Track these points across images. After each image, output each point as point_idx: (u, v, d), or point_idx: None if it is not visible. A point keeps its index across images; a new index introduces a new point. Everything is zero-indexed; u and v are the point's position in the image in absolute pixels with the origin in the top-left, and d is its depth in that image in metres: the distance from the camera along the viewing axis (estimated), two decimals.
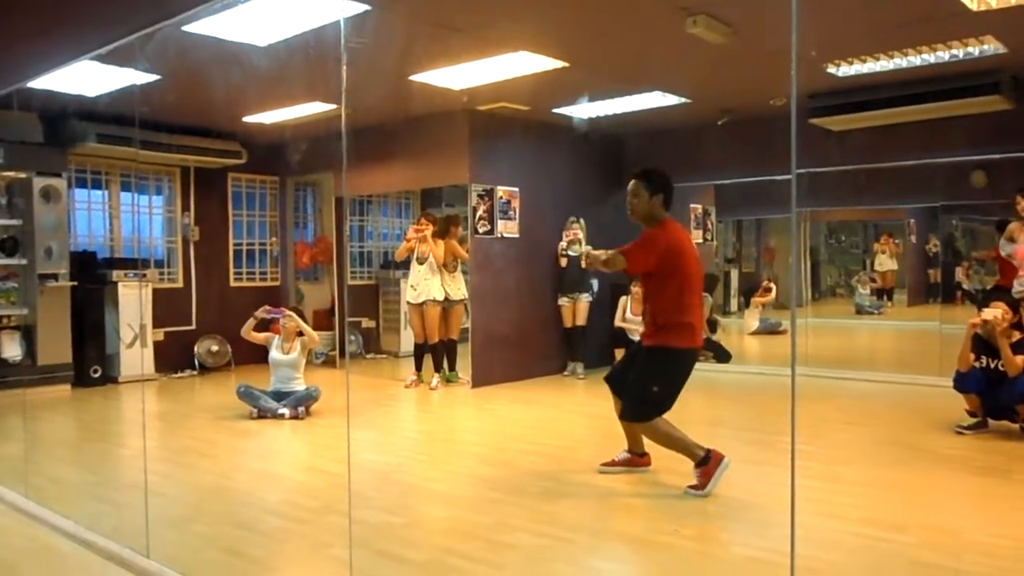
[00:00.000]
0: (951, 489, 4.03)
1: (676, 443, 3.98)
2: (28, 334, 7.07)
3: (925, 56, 5.45)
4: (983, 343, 4.99)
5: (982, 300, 5.38)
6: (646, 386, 3.99)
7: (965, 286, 8.96)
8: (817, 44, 5.18)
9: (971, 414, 5.07)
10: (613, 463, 4.34)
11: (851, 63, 5.68)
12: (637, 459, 4.32)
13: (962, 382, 5.04)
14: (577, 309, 7.70)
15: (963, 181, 7.01)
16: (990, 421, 5.03)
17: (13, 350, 6.97)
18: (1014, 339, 4.89)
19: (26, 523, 3.68)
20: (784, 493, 3.75)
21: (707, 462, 3.90)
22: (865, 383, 7.12)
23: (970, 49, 5.29)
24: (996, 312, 4.87)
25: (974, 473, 4.26)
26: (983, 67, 5.67)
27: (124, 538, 3.23)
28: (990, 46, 5.21)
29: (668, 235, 3.97)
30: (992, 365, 4.95)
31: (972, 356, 5.01)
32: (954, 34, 5.07)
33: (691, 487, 3.90)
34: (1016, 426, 4.90)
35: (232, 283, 8.96)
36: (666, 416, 4.01)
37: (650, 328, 4.04)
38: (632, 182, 4.08)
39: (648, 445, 4.26)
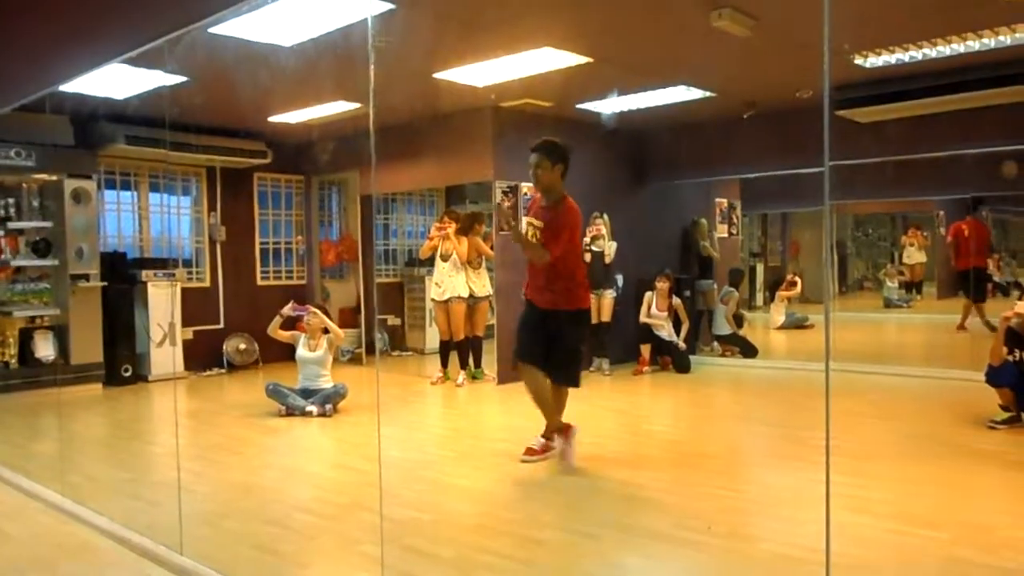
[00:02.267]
0: (984, 484, 3.98)
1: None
2: (60, 334, 7.17)
3: (955, 46, 5.37)
4: (1016, 336, 4.92)
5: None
6: (577, 350, 4.46)
7: (996, 278, 8.84)
8: (843, 35, 5.12)
9: (1004, 408, 4.99)
10: (533, 451, 4.48)
11: (879, 54, 5.61)
12: (551, 445, 4.51)
13: (995, 376, 4.97)
14: (602, 305, 7.67)
15: (993, 172, 6.91)
16: (1023, 416, 4.96)
17: (46, 350, 7.08)
18: None
19: (63, 520, 3.74)
20: (814, 489, 3.72)
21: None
22: (895, 377, 7.04)
23: (1001, 38, 5.20)
24: None
25: (1008, 468, 4.20)
26: (1014, 56, 5.57)
27: (158, 535, 3.28)
28: (1022, 35, 5.12)
29: (577, 211, 4.38)
30: None
31: (1005, 350, 4.93)
32: (985, 23, 4.98)
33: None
34: None
35: (259, 282, 9.04)
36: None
37: (563, 294, 4.36)
38: (535, 154, 4.34)
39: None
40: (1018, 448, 4.54)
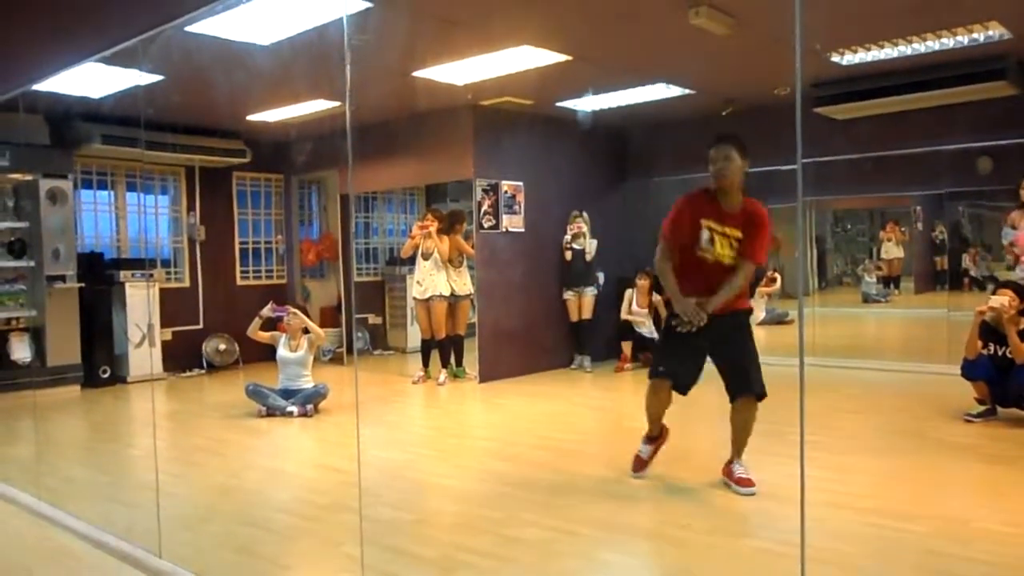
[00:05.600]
0: (960, 477, 4.03)
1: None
2: (37, 336, 7.09)
3: (930, 43, 5.42)
4: (991, 330, 4.98)
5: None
6: (755, 351, 3.84)
7: (972, 273, 8.92)
8: (821, 33, 5.15)
9: (980, 402, 5.06)
10: (645, 464, 4.11)
11: (855, 51, 5.65)
12: (661, 440, 4.18)
13: (970, 370, 5.03)
14: (583, 303, 7.70)
15: (969, 168, 6.98)
16: (999, 409, 5.02)
17: (23, 352, 7.00)
18: (1022, 326, 4.88)
19: (40, 524, 3.70)
20: (794, 484, 3.75)
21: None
22: (873, 372, 7.11)
23: (975, 35, 5.26)
24: (1003, 299, 4.86)
25: (983, 461, 4.25)
26: (989, 53, 5.63)
27: (137, 538, 3.25)
28: (995, 32, 5.18)
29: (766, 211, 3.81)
30: (1000, 352, 4.94)
31: (980, 343, 4.99)
32: (959, 20, 5.04)
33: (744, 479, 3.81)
34: None
35: (239, 282, 8.98)
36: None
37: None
38: (724, 146, 3.72)
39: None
40: (993, 441, 4.60)
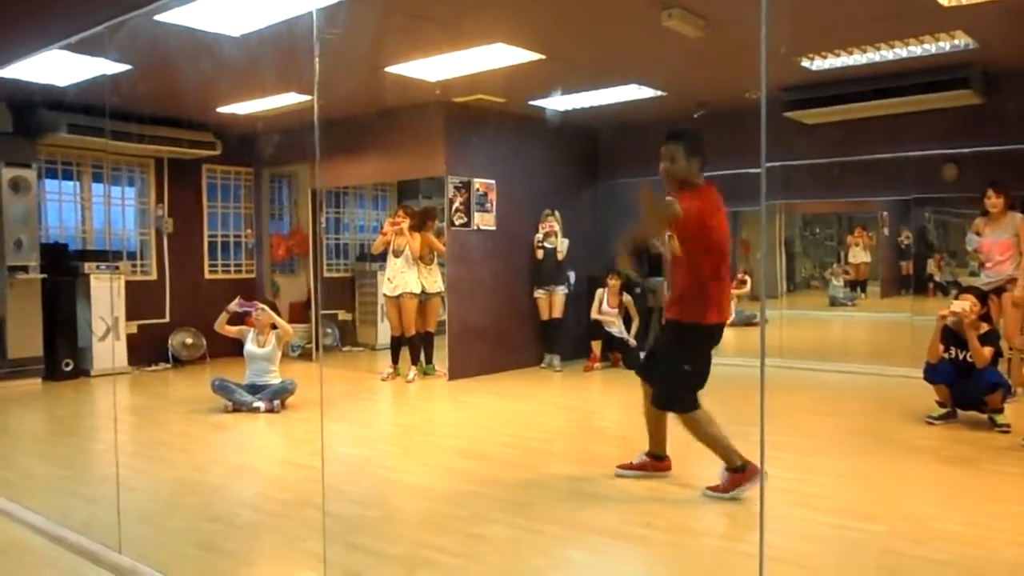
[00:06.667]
0: (921, 478, 4.09)
1: (716, 444, 3.70)
2: None
3: (897, 50, 5.51)
4: (952, 335, 5.06)
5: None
6: (679, 367, 3.71)
7: (937, 278, 9.08)
8: (790, 38, 5.21)
9: (941, 404, 5.14)
10: (630, 466, 4.07)
11: (825, 57, 5.73)
12: (656, 463, 4.05)
13: (932, 373, 5.12)
14: (553, 301, 7.72)
15: (935, 174, 7.09)
16: (959, 412, 5.11)
17: None
18: (982, 331, 4.97)
19: None
20: (757, 483, 3.78)
21: (742, 471, 3.65)
22: (838, 374, 7.21)
23: (941, 44, 5.35)
24: (965, 304, 4.94)
25: (943, 463, 4.33)
26: (954, 62, 5.74)
27: (96, 533, 3.21)
28: (960, 41, 5.28)
29: (704, 201, 3.65)
30: (961, 357, 5.02)
31: (941, 348, 5.08)
32: (925, 29, 5.12)
33: (711, 488, 3.72)
34: (984, 416, 4.98)
35: (207, 275, 8.88)
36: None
37: (675, 301, 3.77)
38: (669, 144, 3.71)
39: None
40: (953, 443, 4.68)
